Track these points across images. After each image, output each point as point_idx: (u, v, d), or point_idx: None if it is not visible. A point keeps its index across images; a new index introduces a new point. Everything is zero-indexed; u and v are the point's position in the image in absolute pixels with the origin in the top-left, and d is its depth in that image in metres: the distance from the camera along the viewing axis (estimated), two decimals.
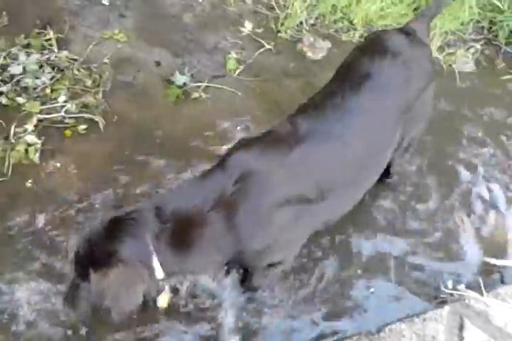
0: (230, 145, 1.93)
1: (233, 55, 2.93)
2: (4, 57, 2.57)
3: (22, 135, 2.36)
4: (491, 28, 3.41)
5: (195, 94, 2.73)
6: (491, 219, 2.59)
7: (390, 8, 3.24)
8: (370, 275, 2.30)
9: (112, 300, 1.57)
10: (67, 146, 2.41)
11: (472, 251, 2.45)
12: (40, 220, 2.20)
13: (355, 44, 2.80)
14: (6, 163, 2.29)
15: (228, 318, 2.08)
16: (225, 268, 2.13)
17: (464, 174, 2.72)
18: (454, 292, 2.19)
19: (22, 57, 2.58)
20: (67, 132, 2.45)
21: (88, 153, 2.41)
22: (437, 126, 2.74)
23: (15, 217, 2.18)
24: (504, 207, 2.64)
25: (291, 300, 2.18)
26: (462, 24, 3.34)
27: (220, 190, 1.60)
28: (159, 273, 1.60)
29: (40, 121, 2.43)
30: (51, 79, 2.56)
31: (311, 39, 3.13)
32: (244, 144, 1.74)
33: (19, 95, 2.49)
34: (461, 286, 2.22)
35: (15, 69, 2.54)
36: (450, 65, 3.19)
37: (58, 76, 2.60)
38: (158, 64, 2.83)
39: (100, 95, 2.60)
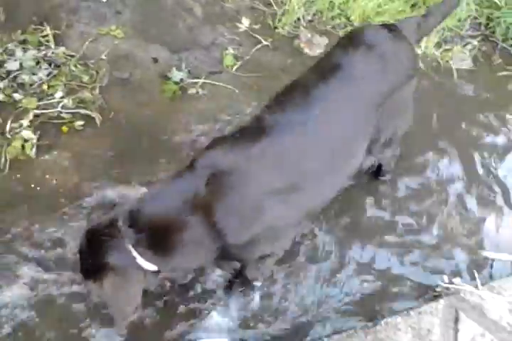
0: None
1: (230, 51, 2.94)
2: (1, 53, 2.57)
3: (18, 130, 2.37)
4: (488, 24, 3.41)
5: (192, 91, 2.74)
6: (485, 214, 2.61)
7: (387, 4, 3.24)
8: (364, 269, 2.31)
9: (113, 308, 1.66)
10: (64, 142, 2.42)
11: (467, 245, 2.46)
12: (37, 217, 2.21)
13: None
14: (3, 159, 2.30)
15: None
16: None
17: (460, 168, 2.74)
18: (450, 286, 2.20)
19: (19, 53, 2.59)
20: (64, 128, 2.46)
21: (85, 148, 2.42)
22: None
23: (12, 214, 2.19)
24: (500, 202, 2.65)
25: None
26: (459, 20, 3.33)
27: (194, 191, 1.60)
28: (151, 267, 1.63)
29: (36, 116, 2.43)
30: (48, 75, 2.57)
31: (309, 35, 3.13)
32: (212, 143, 1.75)
33: (16, 91, 2.50)
34: (457, 280, 2.22)
35: (11, 65, 2.55)
36: (447, 62, 3.19)
37: (55, 72, 2.60)
38: (155, 60, 2.83)
39: (97, 91, 2.60)
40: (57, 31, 2.74)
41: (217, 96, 2.74)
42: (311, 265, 2.28)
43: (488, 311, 2.08)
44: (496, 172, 2.76)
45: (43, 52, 2.62)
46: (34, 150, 2.34)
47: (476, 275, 2.27)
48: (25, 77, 2.52)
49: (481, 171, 2.75)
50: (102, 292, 1.61)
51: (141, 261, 1.60)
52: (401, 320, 2.03)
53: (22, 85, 2.52)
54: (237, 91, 2.78)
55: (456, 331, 2.01)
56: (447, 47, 3.25)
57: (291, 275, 2.24)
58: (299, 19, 3.16)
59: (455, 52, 3.23)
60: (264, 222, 1.67)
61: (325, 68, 1.87)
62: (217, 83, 2.78)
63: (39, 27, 2.72)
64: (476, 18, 3.41)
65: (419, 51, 3.14)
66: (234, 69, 2.87)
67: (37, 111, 2.44)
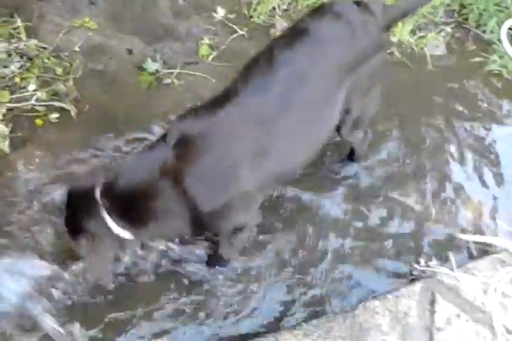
0: None
1: (206, 40, 2.93)
2: None
3: None
4: (461, 11, 3.45)
5: (168, 81, 2.73)
6: (462, 196, 2.66)
7: None
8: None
9: (89, 266, 1.83)
10: (39, 135, 2.39)
11: (443, 228, 2.50)
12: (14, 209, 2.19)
13: None
14: None
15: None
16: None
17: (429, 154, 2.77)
18: (426, 269, 2.24)
19: None
20: (38, 121, 2.43)
21: (60, 141, 2.40)
22: None
23: None
24: (473, 186, 2.70)
25: None
26: (433, 8, 3.37)
27: (163, 159, 1.65)
28: (126, 235, 1.71)
29: (10, 110, 2.40)
30: (20, 67, 2.53)
31: (284, 24, 3.13)
32: (182, 114, 1.81)
33: None
34: (433, 263, 2.26)
35: None
36: (422, 48, 3.22)
37: (27, 65, 2.56)
38: (130, 52, 2.81)
39: (71, 83, 2.57)
40: (28, 23, 2.70)
41: (193, 86, 2.74)
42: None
43: (464, 292, 2.13)
44: (469, 157, 2.80)
45: (15, 45, 2.57)
46: (7, 143, 2.31)
47: (452, 257, 2.32)
48: None
49: (453, 156, 2.79)
50: (80, 250, 1.75)
51: (116, 229, 1.69)
52: (379, 303, 2.07)
53: None
54: (213, 80, 2.78)
55: (433, 312, 2.06)
56: (421, 34, 3.27)
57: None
58: (274, 8, 3.16)
59: (429, 39, 3.26)
60: (235, 187, 1.71)
61: (291, 34, 1.89)
62: (193, 73, 2.78)
63: (9, 19, 2.67)
64: (449, 5, 3.44)
65: (394, 39, 3.17)
66: (210, 59, 2.87)
67: (10, 105, 2.41)
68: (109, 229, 1.70)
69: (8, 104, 2.40)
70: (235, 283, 2.20)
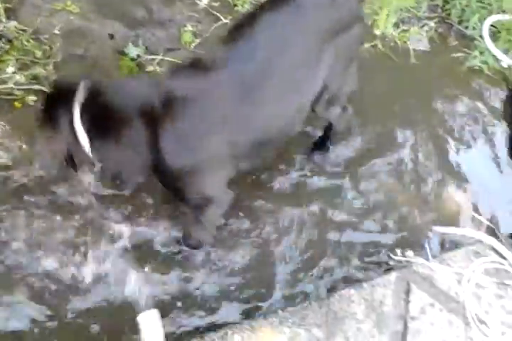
0: None
1: (189, 28, 2.90)
2: None
3: None
4: (444, 6, 3.46)
5: (150, 68, 2.70)
6: (441, 189, 2.68)
7: None
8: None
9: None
10: (17, 117, 2.36)
11: (419, 219, 2.53)
12: None
13: None
14: None
15: None
16: None
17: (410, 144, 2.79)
18: (402, 259, 2.26)
19: None
20: (17, 104, 2.40)
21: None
22: None
23: None
24: (450, 176, 2.73)
25: None
26: (417, 2, 3.38)
27: (150, 101, 1.70)
28: (85, 145, 1.72)
29: None
30: None
31: None
32: (177, 68, 1.90)
33: None
34: (409, 253, 2.29)
35: None
36: (405, 42, 3.24)
37: (6, 47, 2.53)
38: (111, 37, 2.77)
39: (51, 67, 2.54)
40: (8, 5, 2.65)
41: None
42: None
43: (438, 282, 2.16)
44: (448, 149, 2.83)
45: None
46: None
47: (427, 248, 2.35)
48: None
49: (433, 148, 2.81)
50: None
51: (80, 134, 1.70)
52: (354, 292, 2.08)
53: None
54: None
55: (407, 302, 2.08)
56: (405, 28, 3.29)
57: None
58: None
59: (412, 33, 3.27)
60: (206, 149, 1.75)
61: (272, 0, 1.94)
62: (175, 60, 2.75)
63: None
64: (433, 0, 3.46)
65: (377, 31, 3.18)
66: (192, 46, 2.84)
67: None
68: (73, 130, 1.70)
69: None
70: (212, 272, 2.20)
